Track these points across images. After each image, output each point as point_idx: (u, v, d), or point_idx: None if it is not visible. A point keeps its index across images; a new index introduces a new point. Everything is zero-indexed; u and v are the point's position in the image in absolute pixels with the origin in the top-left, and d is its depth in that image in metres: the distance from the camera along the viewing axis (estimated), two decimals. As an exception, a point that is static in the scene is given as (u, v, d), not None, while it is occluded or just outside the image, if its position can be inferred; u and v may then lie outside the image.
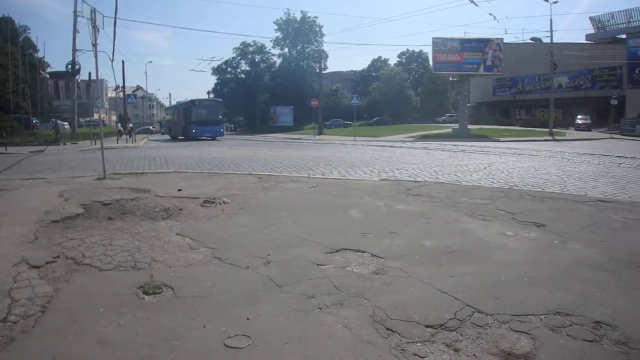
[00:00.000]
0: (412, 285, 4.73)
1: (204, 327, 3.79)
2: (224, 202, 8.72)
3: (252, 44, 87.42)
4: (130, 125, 48.22)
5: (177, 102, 64.63)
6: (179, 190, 9.92)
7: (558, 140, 36.25)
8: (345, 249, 5.91)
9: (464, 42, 46.28)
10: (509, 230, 6.93)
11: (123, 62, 56.68)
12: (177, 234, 6.59)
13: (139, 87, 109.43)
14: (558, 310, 4.14)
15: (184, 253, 5.74)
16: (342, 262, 5.48)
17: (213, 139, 45.54)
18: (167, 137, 57.04)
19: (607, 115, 53.20)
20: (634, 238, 6.75)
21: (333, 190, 10.43)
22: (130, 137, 42.67)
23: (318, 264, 5.35)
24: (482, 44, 45.57)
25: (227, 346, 3.49)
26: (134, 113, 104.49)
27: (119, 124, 50.52)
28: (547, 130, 45.23)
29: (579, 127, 55.52)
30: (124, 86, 57.85)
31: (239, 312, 4.06)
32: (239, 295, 4.44)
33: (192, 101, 48.41)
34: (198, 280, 4.82)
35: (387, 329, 3.78)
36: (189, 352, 3.42)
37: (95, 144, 30.53)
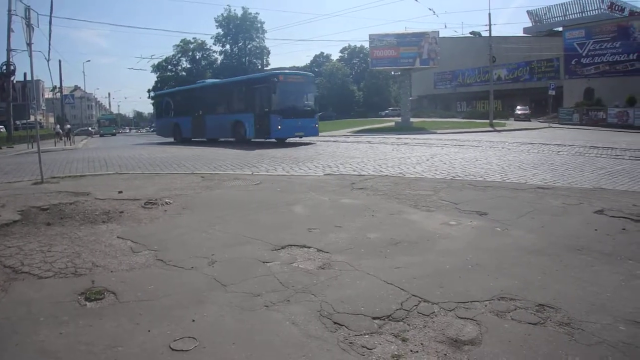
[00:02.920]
0: (358, 278, 4.77)
1: (149, 331, 3.72)
2: (166, 203, 8.58)
3: (192, 40, 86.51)
4: (68, 126, 45.32)
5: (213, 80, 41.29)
6: (120, 192, 9.70)
7: (498, 131, 37.16)
8: (291, 245, 5.92)
9: (399, 37, 46.97)
10: (452, 220, 7.09)
11: (60, 61, 55.09)
12: (118, 237, 6.44)
13: (77, 87, 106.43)
14: (502, 296, 4.27)
15: (126, 257, 5.61)
16: (287, 258, 5.48)
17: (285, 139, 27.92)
18: (168, 139, 36.35)
19: (546, 105, 55.34)
20: (573, 223, 7.01)
21: (277, 186, 10.40)
22: (68, 139, 41.09)
23: (263, 262, 5.32)
24: (418, 38, 46.28)
25: (173, 349, 3.43)
26: (72, 114, 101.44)
27: (57, 126, 48.53)
28: (487, 121, 46.42)
29: (518, 118, 57.22)
30: (61, 86, 56.07)
31: (184, 314, 4.00)
32: (184, 297, 4.38)
33: (274, 75, 25.87)
34: (141, 283, 4.73)
35: (335, 323, 3.80)
36: (133, 358, 3.36)
37: (32, 147, 29.39)
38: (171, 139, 35.44)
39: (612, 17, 56.30)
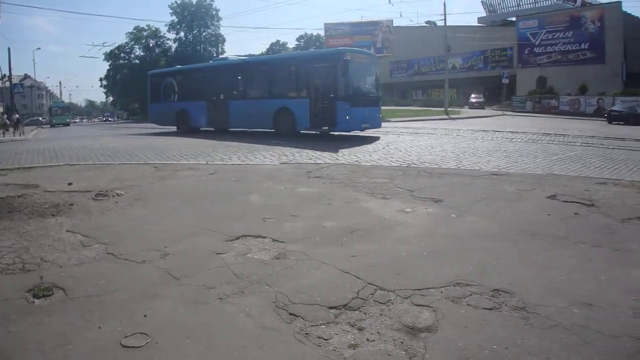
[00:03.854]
0: (314, 268, 4.74)
1: (99, 328, 3.61)
2: (118, 195, 8.35)
3: (146, 28, 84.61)
4: (17, 116, 43.23)
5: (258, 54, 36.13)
6: (69, 184, 9.39)
7: (453, 119, 37.60)
8: (246, 236, 5.85)
9: (354, 25, 47.42)
10: (407, 207, 7.12)
11: (9, 49, 53.09)
12: (67, 230, 6.23)
13: (26, 76, 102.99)
14: (457, 282, 4.31)
15: (76, 251, 5.44)
16: (242, 249, 5.41)
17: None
18: (167, 128, 29.55)
19: (499, 94, 56.33)
20: (527, 208, 7.14)
21: (232, 176, 10.28)
22: (17, 129, 39.55)
23: (217, 253, 5.25)
24: (372, 26, 46.73)
25: (124, 346, 3.34)
26: (22, 104, 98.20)
27: (4, 116, 46.79)
28: (443, 109, 46.95)
29: (473, 106, 58.06)
30: (10, 75, 54.21)
31: (135, 309, 3.90)
32: (136, 291, 4.27)
33: (343, 52, 19.57)
34: (91, 278, 4.59)
35: (291, 314, 3.77)
36: (83, 356, 3.26)
37: (-22, 139, 28.33)
38: (171, 128, 28.65)
39: (565, 7, 57.67)
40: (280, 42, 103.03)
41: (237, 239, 5.76)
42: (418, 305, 3.88)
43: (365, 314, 3.77)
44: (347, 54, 19.05)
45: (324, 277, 4.51)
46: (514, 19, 61.16)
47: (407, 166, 11.55)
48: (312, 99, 19.93)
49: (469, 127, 26.21)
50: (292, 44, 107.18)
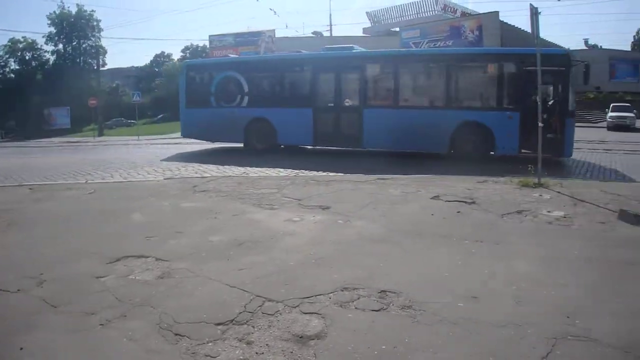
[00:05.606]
0: (200, 285, 4.65)
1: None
2: (-12, 222, 7.77)
3: (22, 40, 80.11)
4: None
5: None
6: None
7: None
8: (128, 256, 5.62)
9: (238, 36, 47.66)
10: (295, 216, 7.17)
11: None
12: None
13: None
14: (346, 287, 4.38)
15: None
16: (124, 270, 5.20)
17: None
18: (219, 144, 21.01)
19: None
20: (412, 209, 7.43)
21: (114, 194, 9.87)
22: None
23: (98, 277, 5.00)
24: (255, 37, 47.16)
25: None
26: None
27: None
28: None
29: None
30: None
31: (11, 342, 3.65)
32: (10, 323, 4.00)
33: (569, 53, 15.23)
34: (-41, 313, 4.25)
35: (176, 335, 3.68)
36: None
37: None
38: (229, 144, 20.13)
39: (446, 17, 60.49)
40: (165, 54, 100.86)
41: (118, 260, 5.52)
42: (307, 313, 3.90)
43: (253, 327, 3.73)
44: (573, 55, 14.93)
45: (210, 293, 4.43)
46: (397, 29, 63.44)
47: (295, 175, 11.63)
48: (521, 113, 14.12)
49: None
50: (177, 55, 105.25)
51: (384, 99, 16.55)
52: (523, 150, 13.78)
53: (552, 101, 14.00)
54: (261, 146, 18.01)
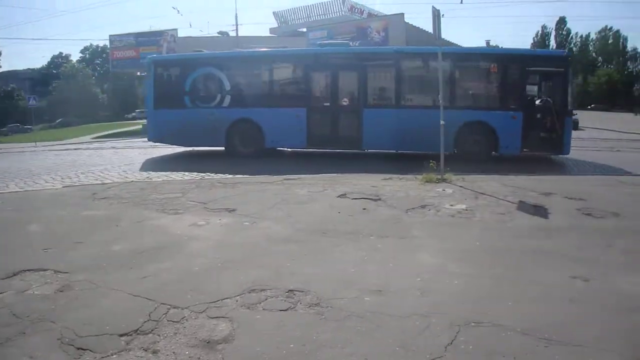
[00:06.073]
0: (102, 296, 4.50)
1: None
2: None
3: None
4: None
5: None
6: None
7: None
8: (25, 271, 5.32)
9: (139, 36, 46.25)
10: (200, 220, 7.07)
11: None
12: None
13: None
14: (253, 288, 4.38)
15: None
16: (21, 285, 4.92)
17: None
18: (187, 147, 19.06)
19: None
20: (318, 208, 7.52)
21: (9, 205, 9.34)
22: None
23: (-8, 295, 4.73)
24: (157, 37, 45.96)
25: None
26: None
27: None
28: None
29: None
30: None
31: None
32: None
33: (567, 54, 18.43)
34: None
35: (78, 349, 3.54)
36: None
37: None
38: (190, 148, 18.86)
39: (352, 19, 61.41)
40: (63, 55, 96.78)
41: (15, 275, 5.21)
42: (214, 317, 3.87)
43: (159, 335, 3.66)
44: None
45: (113, 304, 4.30)
46: (304, 29, 63.85)
47: (200, 178, 11.45)
48: (525, 113, 14.54)
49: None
50: (76, 56, 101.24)
51: (385, 99, 15.88)
52: (524, 150, 14.34)
53: (550, 101, 14.51)
54: (246, 150, 16.51)
